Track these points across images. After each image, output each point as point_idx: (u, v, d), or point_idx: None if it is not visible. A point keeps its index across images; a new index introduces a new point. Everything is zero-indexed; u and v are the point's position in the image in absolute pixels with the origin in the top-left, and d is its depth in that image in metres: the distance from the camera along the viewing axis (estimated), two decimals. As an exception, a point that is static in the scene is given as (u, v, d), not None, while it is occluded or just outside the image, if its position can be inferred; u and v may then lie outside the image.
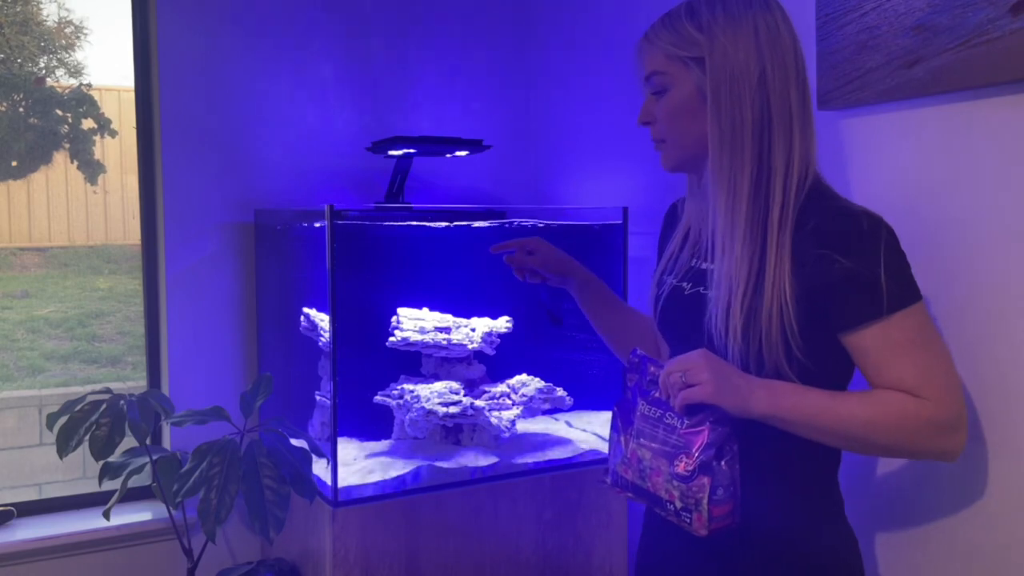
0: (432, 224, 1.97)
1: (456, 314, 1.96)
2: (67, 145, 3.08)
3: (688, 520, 1.06)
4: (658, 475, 1.08)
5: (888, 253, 1.04)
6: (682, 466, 1.05)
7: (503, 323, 1.96)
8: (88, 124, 3.04)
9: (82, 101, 3.02)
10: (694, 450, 1.05)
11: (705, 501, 1.04)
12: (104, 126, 3.03)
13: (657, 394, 1.11)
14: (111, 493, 1.89)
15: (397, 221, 1.95)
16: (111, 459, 1.78)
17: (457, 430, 1.93)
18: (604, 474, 1.20)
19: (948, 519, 1.31)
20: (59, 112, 3.03)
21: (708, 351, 1.08)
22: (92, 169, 3.11)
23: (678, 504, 1.06)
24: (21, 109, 2.99)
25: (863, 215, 1.06)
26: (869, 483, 1.43)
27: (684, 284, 1.21)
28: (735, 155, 1.09)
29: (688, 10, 1.13)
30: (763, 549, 1.13)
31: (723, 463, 1.06)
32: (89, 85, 3.05)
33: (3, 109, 2.96)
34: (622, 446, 1.15)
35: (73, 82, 3.13)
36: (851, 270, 1.04)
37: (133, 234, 2.65)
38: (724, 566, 1.15)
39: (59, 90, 3.09)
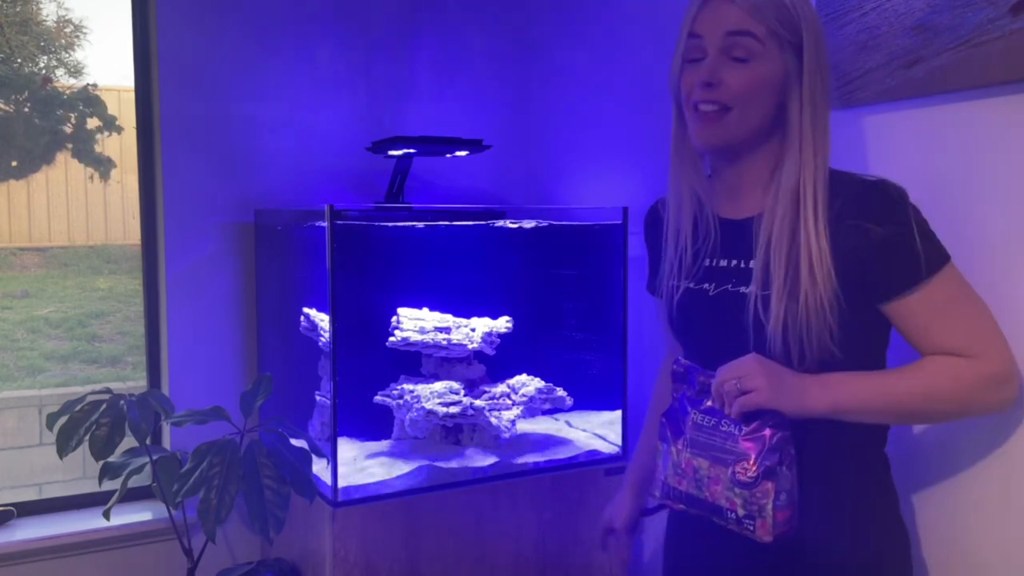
0: (432, 224, 1.97)
1: (456, 314, 1.96)
2: (70, 146, 3.08)
3: (751, 527, 1.05)
4: (717, 484, 1.07)
5: (917, 217, 1.07)
6: (744, 473, 1.04)
7: (503, 323, 1.96)
8: (94, 123, 3.04)
9: (89, 102, 3.03)
10: (755, 456, 1.04)
11: (769, 507, 1.03)
12: (110, 123, 3.03)
13: (710, 403, 1.10)
14: (111, 493, 1.89)
15: (397, 221, 1.95)
16: (111, 459, 1.78)
17: (457, 430, 1.93)
18: (653, 490, 1.18)
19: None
20: (62, 112, 3.03)
21: (759, 355, 1.07)
22: (103, 165, 3.11)
23: (740, 512, 1.05)
24: (26, 109, 2.99)
25: (888, 183, 1.08)
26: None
27: (706, 285, 1.19)
28: (819, 147, 1.10)
29: None
30: (813, 555, 1.11)
31: (784, 467, 1.05)
32: (95, 85, 3.05)
33: (10, 110, 2.96)
34: (672, 457, 1.13)
35: (74, 82, 3.13)
36: (887, 238, 1.05)
37: (133, 234, 2.64)
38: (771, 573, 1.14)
39: (63, 90, 3.09)
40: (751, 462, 1.04)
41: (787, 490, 1.05)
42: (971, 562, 1.28)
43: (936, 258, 1.06)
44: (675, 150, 1.21)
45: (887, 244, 1.05)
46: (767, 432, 1.05)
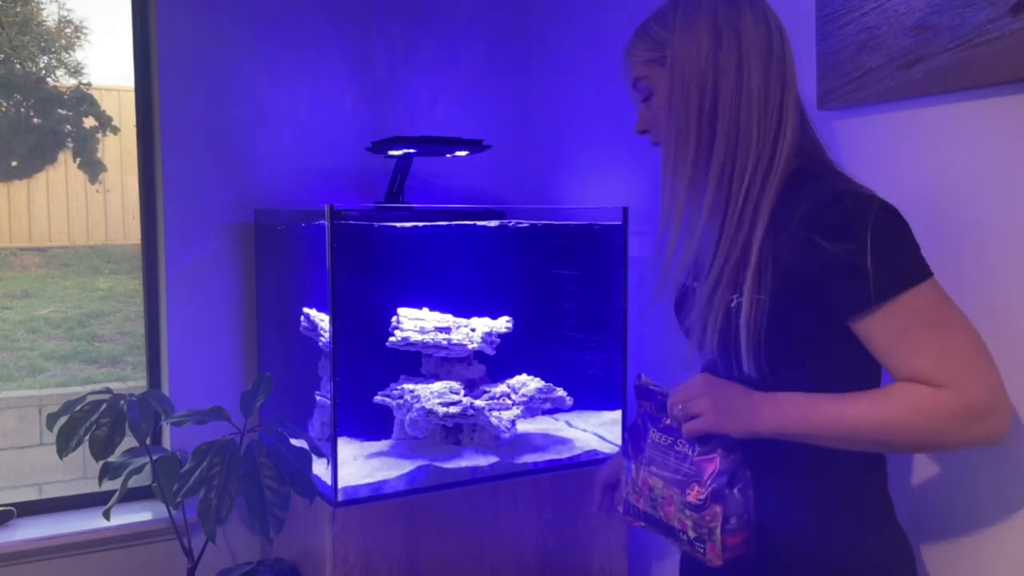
0: (432, 224, 1.97)
1: (456, 314, 1.96)
2: (71, 145, 3.08)
3: (702, 550, 1.04)
4: (670, 504, 1.07)
5: (876, 235, 0.97)
6: (694, 494, 1.04)
7: (503, 323, 1.96)
8: (90, 123, 3.04)
9: (82, 100, 3.02)
10: (705, 478, 1.03)
11: (718, 530, 1.02)
12: (105, 124, 3.03)
13: (668, 421, 1.10)
14: (111, 493, 1.89)
15: (397, 221, 1.95)
16: (111, 459, 1.78)
17: (457, 430, 1.93)
18: (617, 503, 1.18)
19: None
20: (61, 111, 3.03)
21: (709, 375, 1.06)
22: (93, 168, 3.10)
23: (691, 534, 1.05)
24: (22, 109, 2.99)
25: (850, 196, 1.01)
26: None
27: (695, 284, 1.17)
28: (680, 142, 1.11)
29: (655, 15, 1.18)
30: (808, 565, 1.09)
31: (736, 491, 1.04)
32: (89, 84, 3.05)
33: (3, 109, 2.96)
34: (632, 473, 1.13)
35: (73, 82, 3.13)
36: (835, 256, 0.99)
37: (133, 234, 2.64)
38: None
39: (60, 90, 3.09)
40: (701, 484, 1.04)
41: (737, 514, 1.03)
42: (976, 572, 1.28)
43: (896, 280, 0.98)
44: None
45: (835, 263, 0.99)
46: (717, 455, 1.04)
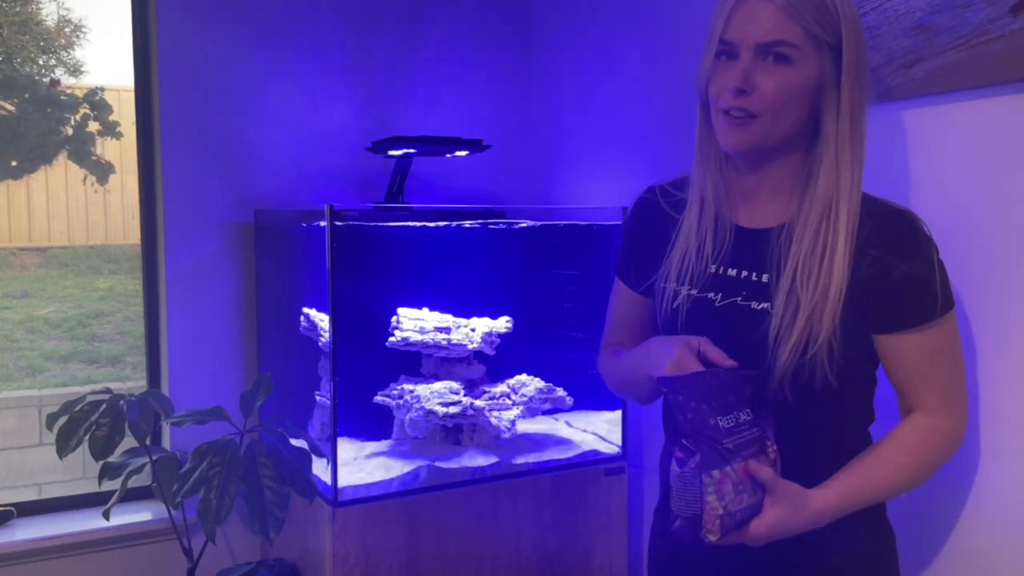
0: (432, 224, 1.97)
1: (456, 314, 1.96)
2: (68, 147, 3.08)
3: None
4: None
5: (938, 257, 1.06)
6: (772, 448, 1.01)
7: (503, 323, 1.96)
8: (94, 126, 3.04)
9: (95, 106, 3.02)
10: (770, 431, 1.02)
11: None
12: (111, 128, 3.03)
13: (719, 419, 0.98)
14: (111, 493, 1.89)
15: (397, 221, 1.95)
16: (111, 459, 1.78)
17: (457, 430, 1.93)
18: (707, 532, 0.97)
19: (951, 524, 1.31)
20: (67, 115, 3.04)
21: (787, 514, 1.00)
22: (102, 170, 3.11)
23: None
24: (29, 107, 2.99)
25: (916, 216, 1.06)
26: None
27: (711, 295, 1.12)
28: (855, 158, 1.05)
29: None
30: (802, 556, 1.10)
31: None
32: (102, 88, 3.05)
33: (12, 109, 2.96)
34: (731, 478, 0.96)
35: (75, 81, 3.13)
36: (908, 275, 1.04)
37: (133, 234, 2.65)
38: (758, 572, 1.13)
39: (71, 91, 3.09)
40: (772, 441, 1.01)
41: None
42: (963, 561, 1.28)
43: (947, 302, 1.05)
44: (700, 150, 1.15)
45: (907, 281, 1.04)
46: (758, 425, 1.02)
